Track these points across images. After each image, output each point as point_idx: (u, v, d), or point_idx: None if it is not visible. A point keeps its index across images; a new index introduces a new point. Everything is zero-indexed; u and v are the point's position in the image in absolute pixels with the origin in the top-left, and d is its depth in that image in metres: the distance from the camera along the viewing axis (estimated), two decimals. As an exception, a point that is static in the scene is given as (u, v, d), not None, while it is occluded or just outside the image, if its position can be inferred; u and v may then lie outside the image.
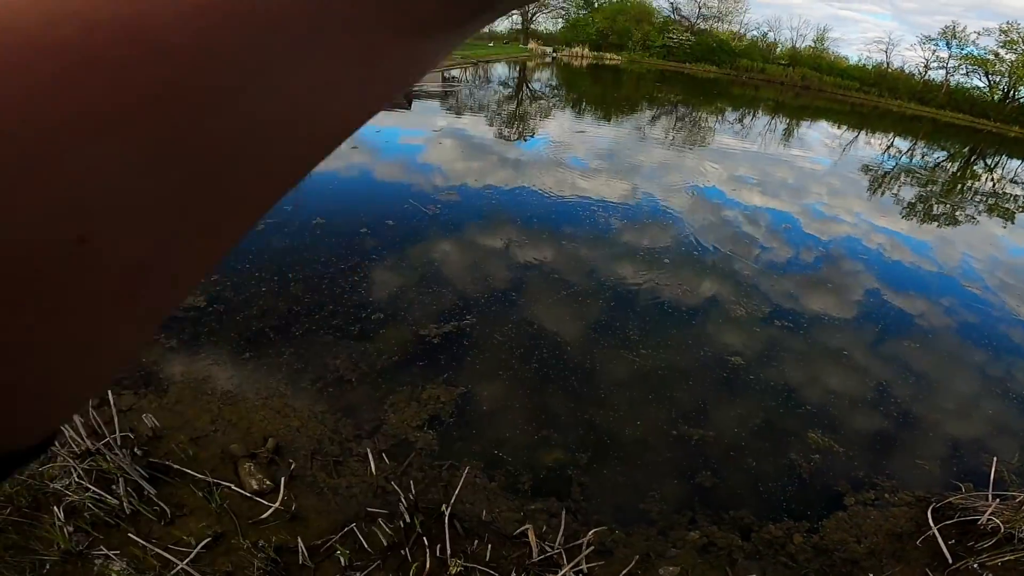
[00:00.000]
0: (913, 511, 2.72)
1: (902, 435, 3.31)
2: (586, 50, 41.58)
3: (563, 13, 50.00)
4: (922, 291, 5.31)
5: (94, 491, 2.30)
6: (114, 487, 2.37)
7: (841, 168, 11.07)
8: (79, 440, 2.52)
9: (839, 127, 19.59)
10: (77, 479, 2.39)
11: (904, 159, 14.29)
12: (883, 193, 9.56)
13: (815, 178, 9.76)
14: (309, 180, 7.03)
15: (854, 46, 74.15)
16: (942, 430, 3.40)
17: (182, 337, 3.56)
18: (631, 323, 4.05)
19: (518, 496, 2.54)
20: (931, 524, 2.57)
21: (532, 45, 45.40)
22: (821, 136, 16.09)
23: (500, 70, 27.10)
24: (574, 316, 4.05)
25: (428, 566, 2.16)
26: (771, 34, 45.95)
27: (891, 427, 3.37)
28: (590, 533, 2.29)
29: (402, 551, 2.23)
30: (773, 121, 17.77)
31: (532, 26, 52.73)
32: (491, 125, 11.71)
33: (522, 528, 2.34)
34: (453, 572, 2.17)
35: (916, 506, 2.75)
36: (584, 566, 2.22)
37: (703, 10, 45.04)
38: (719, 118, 16.74)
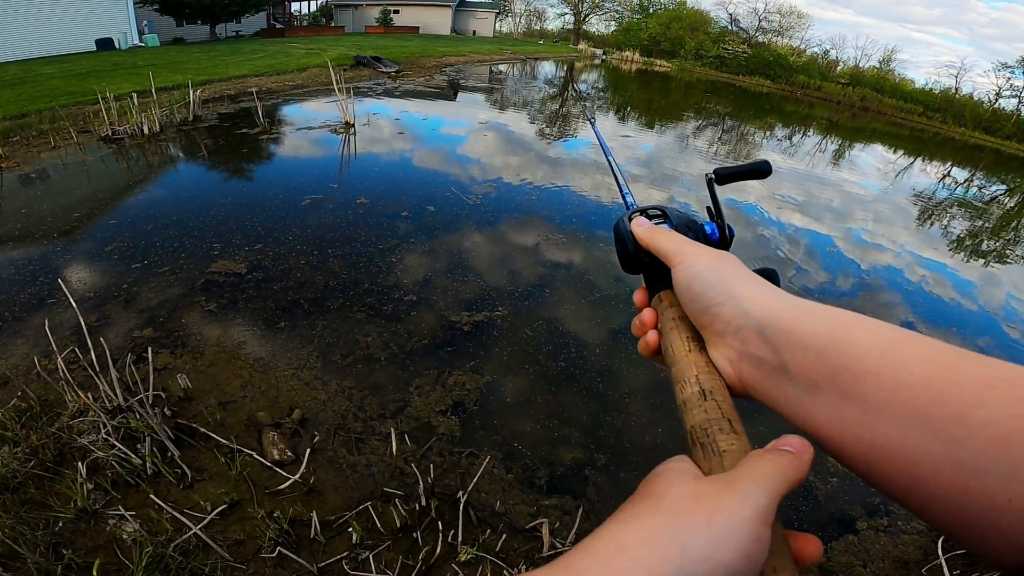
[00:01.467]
0: (923, 540, 2.64)
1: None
2: (636, 55, 41.17)
3: (617, 16, 49.61)
4: (960, 329, 5.11)
5: (120, 449, 2.36)
6: (140, 446, 2.43)
7: (891, 195, 10.73)
8: (112, 395, 2.60)
9: (895, 152, 18.95)
10: (105, 435, 2.45)
11: (960, 190, 13.75)
12: (931, 224, 9.22)
13: (862, 203, 9.46)
14: (356, 161, 7.14)
15: (923, 69, 71.72)
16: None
17: (221, 301, 3.67)
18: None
19: (533, 490, 2.55)
20: (939, 553, 2.50)
21: (582, 46, 45.18)
22: (874, 160, 15.57)
23: (548, 68, 27.05)
24: (604, 320, 4.02)
25: (438, 551, 2.18)
26: (833, 52, 44.76)
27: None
28: (604, 534, 2.28)
29: (414, 534, 2.26)
30: (824, 141, 17.30)
31: (584, 27, 52.44)
32: (533, 123, 11.71)
33: (535, 522, 2.34)
34: (462, 559, 2.18)
35: (927, 535, 2.67)
36: (594, 567, 2.21)
37: (763, 23, 44.16)
38: (767, 134, 16.38)
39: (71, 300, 2.68)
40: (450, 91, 15.09)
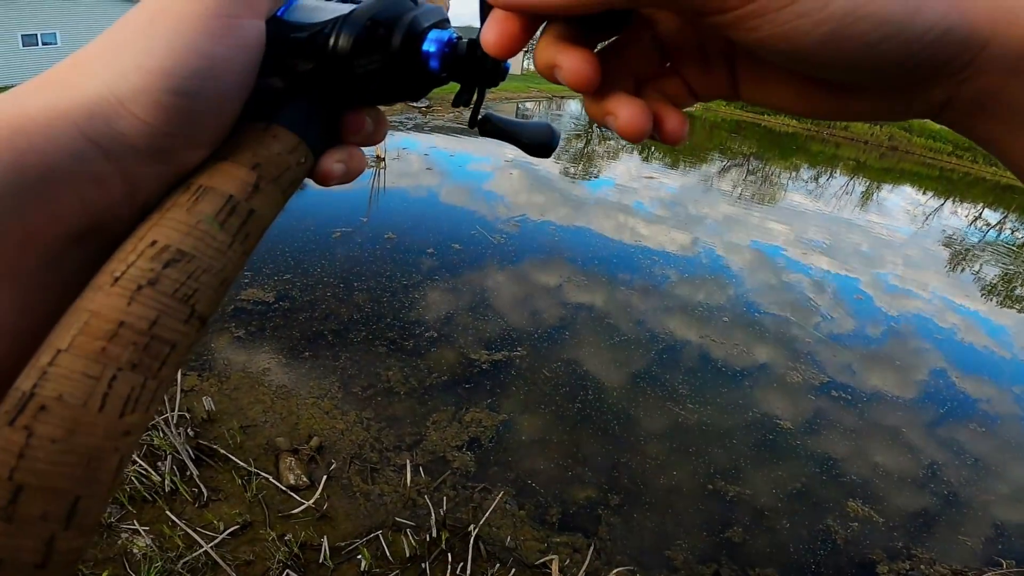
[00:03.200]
0: (947, 583, 2.58)
1: (948, 512, 3.14)
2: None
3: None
4: (993, 376, 5.00)
5: (141, 465, 2.45)
6: (160, 464, 2.52)
7: (920, 238, 10.58)
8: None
9: (924, 193, 18.71)
10: (128, 452, 2.56)
11: (992, 233, 13.49)
12: (963, 269, 9.06)
13: (891, 247, 9.35)
14: (385, 195, 7.36)
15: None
16: (991, 512, 3.21)
17: (249, 328, 3.80)
18: (680, 376, 4.01)
19: (545, 527, 2.56)
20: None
21: (610, 86, 45.98)
22: (903, 202, 15.40)
23: (574, 107, 27.56)
24: (623, 363, 4.05)
25: (447, 583, 2.21)
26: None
27: (938, 504, 3.20)
28: (613, 572, 2.28)
29: (423, 564, 2.29)
30: (851, 182, 17.19)
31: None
32: (558, 161, 11.91)
33: (545, 558, 2.35)
34: (471, 593, 2.20)
35: (950, 580, 2.60)
36: (603, 609, 2.21)
37: (788, 65, 44.51)
38: (792, 175, 16.37)
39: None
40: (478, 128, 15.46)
